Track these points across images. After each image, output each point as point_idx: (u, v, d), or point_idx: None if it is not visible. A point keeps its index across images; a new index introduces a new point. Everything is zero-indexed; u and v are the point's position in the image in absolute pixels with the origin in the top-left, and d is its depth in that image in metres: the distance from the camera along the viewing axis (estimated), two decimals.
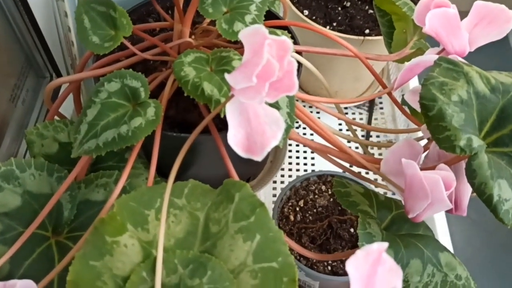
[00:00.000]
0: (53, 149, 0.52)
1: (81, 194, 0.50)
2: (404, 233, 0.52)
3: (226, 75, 0.36)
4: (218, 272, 0.36)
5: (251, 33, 0.35)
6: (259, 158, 0.36)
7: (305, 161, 1.00)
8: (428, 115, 0.40)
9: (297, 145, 1.02)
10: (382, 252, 0.28)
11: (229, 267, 0.37)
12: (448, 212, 0.46)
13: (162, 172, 0.55)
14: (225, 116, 0.46)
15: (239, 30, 0.44)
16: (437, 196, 0.41)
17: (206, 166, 0.58)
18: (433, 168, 0.44)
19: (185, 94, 0.45)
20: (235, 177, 0.47)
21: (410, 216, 0.44)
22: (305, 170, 0.99)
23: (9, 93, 0.57)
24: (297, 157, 1.00)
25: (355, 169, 0.68)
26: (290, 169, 0.99)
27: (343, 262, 0.73)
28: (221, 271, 0.36)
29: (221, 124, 0.50)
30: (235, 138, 0.37)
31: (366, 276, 0.28)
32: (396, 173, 0.46)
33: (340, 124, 0.98)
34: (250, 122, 0.37)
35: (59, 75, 0.63)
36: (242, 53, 0.47)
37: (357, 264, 0.28)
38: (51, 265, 0.47)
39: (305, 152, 1.00)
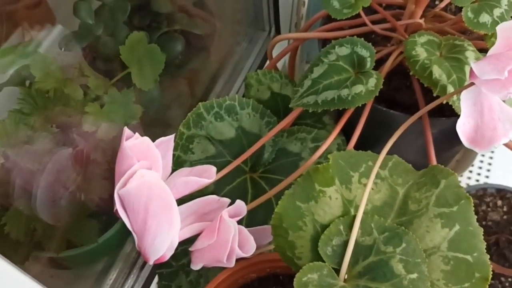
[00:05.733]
0: (265, 96, 0.57)
1: (281, 142, 0.55)
2: None
3: (472, 64, 0.36)
4: (412, 247, 0.37)
5: None
6: (483, 151, 0.36)
7: (479, 170, 0.95)
8: None
9: None
10: None
11: (422, 247, 0.38)
12: None
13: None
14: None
15: (484, 22, 0.43)
16: None
17: (395, 146, 0.59)
18: None
19: (410, 73, 0.46)
20: (435, 163, 0.47)
21: None
22: (477, 180, 0.94)
23: (236, 38, 0.63)
24: (472, 165, 0.95)
25: None
26: (460, 175, 0.95)
27: (501, 282, 0.70)
28: (415, 247, 0.37)
29: (428, 111, 0.50)
30: (464, 127, 0.37)
31: None
32: None
33: None
34: (483, 115, 0.37)
35: (277, 31, 0.68)
36: (476, 45, 0.47)
37: None
38: (245, 196, 0.52)
39: (481, 161, 0.95)
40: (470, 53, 0.45)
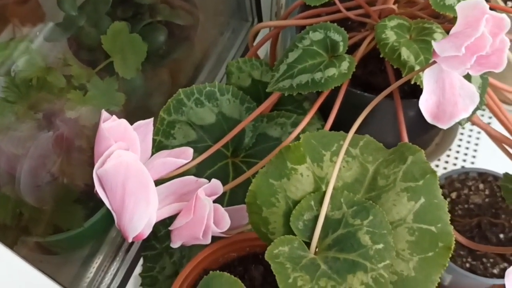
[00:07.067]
0: (246, 83, 0.59)
1: (261, 127, 0.56)
2: None
3: (433, 42, 0.37)
4: (379, 219, 0.39)
5: (470, 6, 0.36)
6: (444, 126, 0.38)
7: (464, 157, 0.96)
8: None
9: (460, 139, 0.98)
10: None
11: (389, 219, 0.39)
12: None
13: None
14: (408, 85, 0.47)
15: (450, 4, 0.44)
16: None
17: (374, 128, 0.60)
18: None
19: (381, 56, 0.47)
20: (406, 141, 0.48)
21: None
22: (463, 166, 0.96)
23: (219, 28, 0.65)
24: (457, 151, 0.96)
25: None
26: (446, 161, 0.96)
27: (483, 263, 0.71)
28: (381, 219, 0.39)
29: (402, 93, 0.52)
30: (426, 103, 0.38)
31: None
32: None
33: None
34: (444, 91, 0.38)
35: (260, 21, 0.70)
36: (445, 28, 0.48)
37: None
38: (226, 180, 0.54)
39: (467, 148, 0.96)
40: (438, 35, 0.47)
